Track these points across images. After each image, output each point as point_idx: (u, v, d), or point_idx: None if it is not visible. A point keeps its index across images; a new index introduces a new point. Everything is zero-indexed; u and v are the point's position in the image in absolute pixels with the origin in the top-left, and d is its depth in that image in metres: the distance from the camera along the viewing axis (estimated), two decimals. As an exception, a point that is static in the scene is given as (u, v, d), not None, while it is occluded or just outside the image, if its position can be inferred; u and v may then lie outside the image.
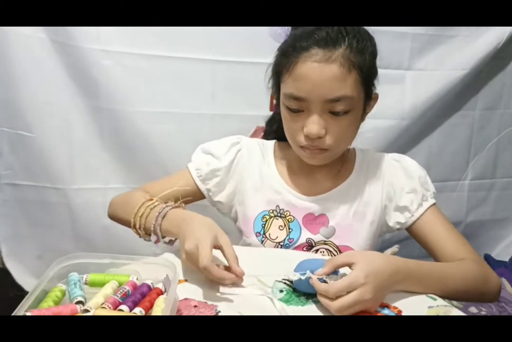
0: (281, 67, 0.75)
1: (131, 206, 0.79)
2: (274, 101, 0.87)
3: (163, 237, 0.75)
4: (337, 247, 0.83)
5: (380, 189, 0.85)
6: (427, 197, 0.83)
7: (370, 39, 0.75)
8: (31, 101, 1.26)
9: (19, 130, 1.27)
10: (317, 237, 0.83)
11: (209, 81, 1.32)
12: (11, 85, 1.23)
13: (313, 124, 0.73)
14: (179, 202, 0.79)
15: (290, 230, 0.84)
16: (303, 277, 0.62)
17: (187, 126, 1.32)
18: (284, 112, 0.78)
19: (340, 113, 0.73)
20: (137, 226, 0.77)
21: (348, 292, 0.59)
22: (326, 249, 0.83)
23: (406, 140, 1.50)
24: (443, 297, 0.69)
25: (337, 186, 0.85)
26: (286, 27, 0.79)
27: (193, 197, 0.87)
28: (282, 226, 0.84)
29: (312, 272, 0.62)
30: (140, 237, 0.79)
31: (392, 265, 0.64)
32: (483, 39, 1.41)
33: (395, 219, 0.85)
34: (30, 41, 1.21)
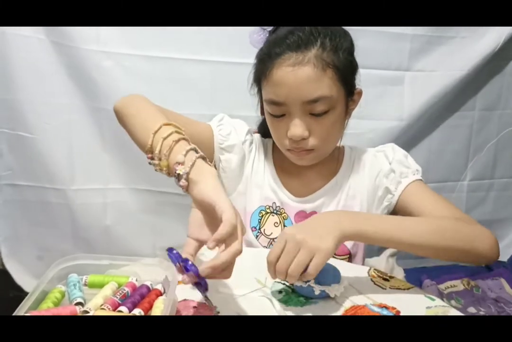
0: (259, 74, 0.77)
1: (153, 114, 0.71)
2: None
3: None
4: None
5: (366, 183, 0.85)
6: (406, 173, 0.81)
7: (345, 35, 0.75)
8: (30, 102, 1.26)
9: (19, 131, 1.28)
10: None
11: (209, 82, 1.33)
12: (11, 86, 1.24)
13: (296, 127, 0.74)
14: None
15: (285, 227, 0.85)
16: (305, 285, 0.62)
17: (186, 127, 1.32)
18: (268, 118, 0.80)
19: (320, 113, 0.74)
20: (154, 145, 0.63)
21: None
22: None
23: (405, 141, 1.51)
24: (422, 254, 0.68)
25: (326, 184, 0.86)
26: (264, 34, 0.80)
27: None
28: (277, 223, 0.86)
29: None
30: (151, 154, 0.64)
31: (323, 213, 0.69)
32: (482, 41, 1.41)
33: (383, 206, 0.84)
34: (30, 42, 1.21)
